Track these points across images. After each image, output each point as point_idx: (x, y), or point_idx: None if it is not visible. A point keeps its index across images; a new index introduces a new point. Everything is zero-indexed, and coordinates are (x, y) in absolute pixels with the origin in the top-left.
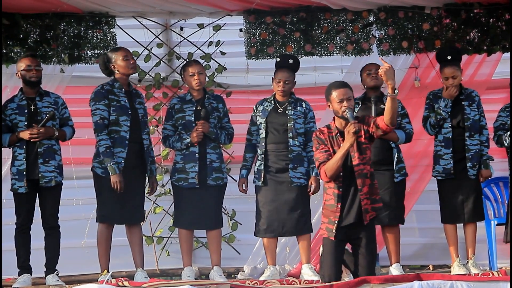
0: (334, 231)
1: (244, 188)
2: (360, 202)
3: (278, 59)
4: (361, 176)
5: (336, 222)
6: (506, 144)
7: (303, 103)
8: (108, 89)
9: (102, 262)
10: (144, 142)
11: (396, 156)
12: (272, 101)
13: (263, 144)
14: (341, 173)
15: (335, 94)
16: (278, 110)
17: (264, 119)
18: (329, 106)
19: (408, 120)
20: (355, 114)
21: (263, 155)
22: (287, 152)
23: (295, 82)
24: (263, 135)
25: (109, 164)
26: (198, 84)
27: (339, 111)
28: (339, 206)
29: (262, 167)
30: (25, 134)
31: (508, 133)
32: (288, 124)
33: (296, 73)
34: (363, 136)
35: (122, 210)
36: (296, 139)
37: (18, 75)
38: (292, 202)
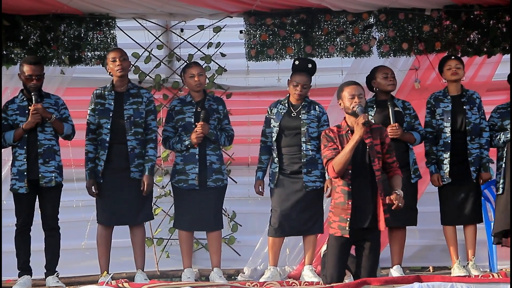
0: (347, 228)
1: (260, 190)
2: (377, 208)
3: (296, 62)
4: (380, 182)
5: (349, 219)
6: (493, 144)
7: (317, 106)
8: (98, 93)
9: (101, 263)
10: (128, 144)
11: (412, 157)
12: (286, 104)
13: (275, 147)
14: (350, 171)
15: (346, 91)
16: (292, 114)
17: (278, 123)
18: (340, 104)
19: (419, 121)
20: (372, 121)
21: (277, 158)
22: (300, 155)
23: (311, 86)
24: (275, 138)
25: (85, 169)
26: (198, 85)
27: (350, 107)
28: (349, 203)
29: (277, 170)
30: (29, 121)
31: (500, 134)
32: (302, 129)
33: None
34: (379, 145)
35: (114, 212)
36: (309, 143)
37: (21, 78)
38: (304, 202)
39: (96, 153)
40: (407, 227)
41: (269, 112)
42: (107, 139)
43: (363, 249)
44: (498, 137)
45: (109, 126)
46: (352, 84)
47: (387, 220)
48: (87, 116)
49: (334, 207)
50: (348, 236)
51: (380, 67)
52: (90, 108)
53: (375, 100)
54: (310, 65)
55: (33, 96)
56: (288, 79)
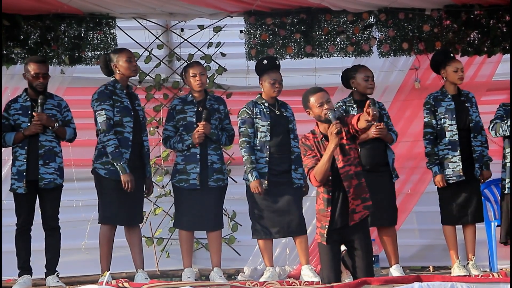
0: (325, 235)
1: (260, 189)
2: (348, 203)
3: (265, 62)
4: (347, 178)
5: (327, 226)
6: (501, 133)
7: (289, 106)
8: (111, 89)
9: (103, 264)
10: (145, 144)
11: (391, 157)
12: (266, 104)
13: (267, 147)
14: (330, 177)
15: (313, 99)
16: (276, 112)
17: (268, 122)
18: (309, 113)
19: (391, 122)
20: (337, 115)
21: (267, 158)
22: (290, 153)
23: None
24: (267, 138)
25: (119, 164)
26: (200, 85)
27: (321, 115)
28: (329, 210)
29: (266, 170)
30: (30, 129)
31: (506, 122)
32: (289, 126)
33: (296, 75)
34: (345, 137)
35: (125, 211)
36: (295, 140)
37: (27, 78)
38: (293, 203)
39: None
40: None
41: (249, 113)
42: (131, 137)
43: (353, 249)
44: (502, 123)
45: (132, 125)
46: (317, 91)
47: (368, 209)
48: (102, 111)
49: (317, 213)
50: (325, 244)
51: (362, 67)
52: (107, 103)
53: (353, 99)
54: (277, 62)
55: (38, 103)
56: (260, 81)
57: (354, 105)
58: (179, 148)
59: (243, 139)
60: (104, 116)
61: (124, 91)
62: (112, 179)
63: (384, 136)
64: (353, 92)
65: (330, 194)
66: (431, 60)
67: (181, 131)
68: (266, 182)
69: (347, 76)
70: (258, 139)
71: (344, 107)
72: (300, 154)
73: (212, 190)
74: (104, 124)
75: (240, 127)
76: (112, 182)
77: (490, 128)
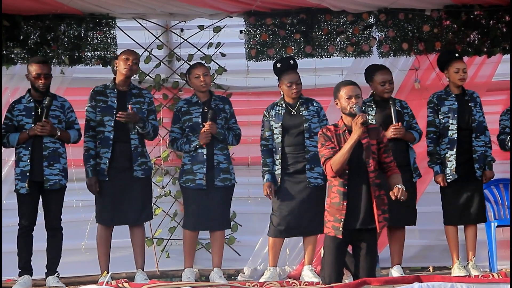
0: (341, 229)
1: (269, 192)
2: (372, 210)
3: (278, 65)
4: (374, 184)
5: (343, 220)
6: (507, 149)
7: (314, 102)
8: (99, 90)
9: (101, 263)
10: (132, 143)
11: (413, 156)
12: (284, 105)
13: (279, 148)
14: (347, 171)
15: (343, 91)
16: (292, 113)
17: (280, 123)
18: (336, 104)
19: (416, 120)
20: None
21: (280, 160)
22: (304, 153)
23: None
24: (279, 139)
25: (86, 167)
26: (204, 85)
27: (347, 108)
28: (345, 204)
29: (280, 171)
30: (35, 129)
31: (509, 137)
32: (304, 125)
33: None
34: (375, 146)
35: (116, 211)
36: (312, 139)
37: (29, 78)
38: (308, 202)
39: (96, 150)
40: (407, 227)
41: (267, 115)
42: (111, 136)
43: (360, 249)
44: (507, 140)
45: (112, 124)
46: (349, 84)
47: (387, 220)
48: (86, 112)
49: (330, 207)
50: (341, 237)
51: (380, 71)
52: (89, 104)
53: (374, 100)
54: (291, 61)
55: (44, 105)
56: (278, 84)
57: (374, 106)
58: (186, 150)
59: (261, 142)
60: (85, 118)
61: (115, 89)
62: (104, 180)
63: (403, 136)
64: (374, 93)
65: (346, 187)
66: (437, 60)
67: (188, 132)
68: (278, 183)
69: (368, 76)
70: (274, 140)
71: (363, 107)
72: (316, 153)
73: (218, 190)
74: (84, 126)
75: (261, 130)
76: (105, 182)
77: (499, 144)
